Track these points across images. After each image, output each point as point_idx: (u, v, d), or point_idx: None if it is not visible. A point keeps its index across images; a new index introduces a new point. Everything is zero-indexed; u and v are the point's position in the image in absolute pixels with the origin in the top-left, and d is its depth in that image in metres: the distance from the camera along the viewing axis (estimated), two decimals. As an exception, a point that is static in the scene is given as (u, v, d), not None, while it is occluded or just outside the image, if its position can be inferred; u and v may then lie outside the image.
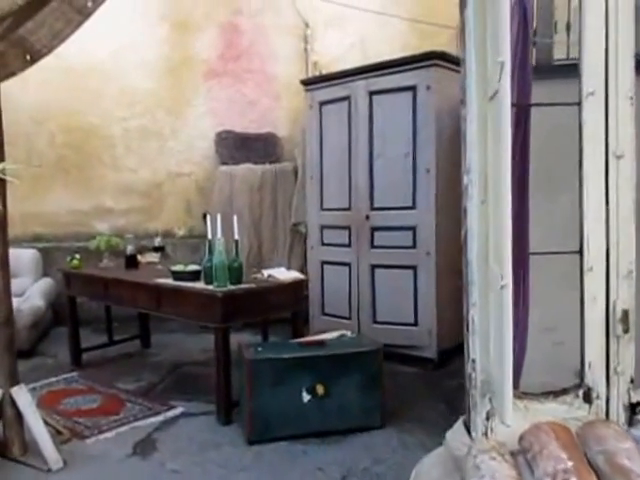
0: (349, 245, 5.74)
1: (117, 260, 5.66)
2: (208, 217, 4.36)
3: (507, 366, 2.20)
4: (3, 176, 3.57)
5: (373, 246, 5.57)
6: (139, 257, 5.54)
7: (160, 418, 4.45)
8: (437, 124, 5.26)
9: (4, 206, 3.59)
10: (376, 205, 5.53)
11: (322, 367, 4.00)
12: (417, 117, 5.28)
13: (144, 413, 4.54)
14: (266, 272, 4.69)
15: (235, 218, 4.42)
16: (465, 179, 2.62)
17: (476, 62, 2.59)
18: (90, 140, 7.15)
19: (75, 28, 5.03)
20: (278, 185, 6.90)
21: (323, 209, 6.01)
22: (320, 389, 3.98)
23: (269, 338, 5.16)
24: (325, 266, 6.03)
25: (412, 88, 5.32)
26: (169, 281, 4.59)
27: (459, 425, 2.76)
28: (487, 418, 2.61)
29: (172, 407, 4.62)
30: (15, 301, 3.70)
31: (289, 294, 4.61)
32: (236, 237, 4.42)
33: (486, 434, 2.62)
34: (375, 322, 5.60)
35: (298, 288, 4.68)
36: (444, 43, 6.49)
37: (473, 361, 2.62)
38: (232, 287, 4.23)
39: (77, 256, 5.58)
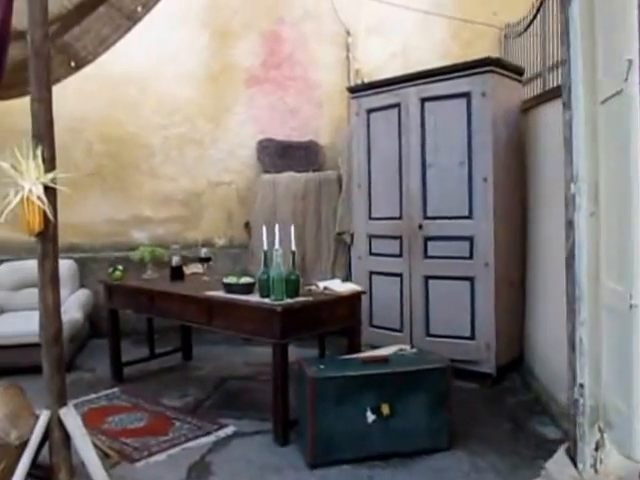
0: (400, 255, 5.51)
1: (160, 271, 5.46)
2: (264, 228, 4.15)
3: (636, 394, 1.95)
4: (54, 185, 3.35)
5: (426, 256, 5.34)
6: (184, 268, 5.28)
7: (212, 438, 4.21)
8: (493, 131, 5.02)
9: (55, 216, 3.37)
10: (429, 214, 5.31)
11: (387, 385, 3.77)
12: (472, 124, 5.05)
13: (194, 433, 4.30)
14: (321, 284, 4.46)
15: (292, 228, 4.25)
16: (572, 188, 2.38)
17: (583, 62, 2.36)
18: (129, 149, 7.00)
19: (123, 34, 4.84)
20: (322, 194, 6.71)
21: (371, 218, 5.79)
22: (385, 409, 3.75)
23: (317, 352, 4.92)
24: (374, 277, 5.77)
25: (466, 95, 5.09)
26: (220, 294, 4.39)
27: (561, 454, 2.52)
28: (596, 449, 2.37)
29: (223, 426, 4.39)
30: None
31: (346, 307, 4.39)
32: (293, 248, 4.22)
33: (595, 466, 2.37)
34: (429, 335, 5.35)
35: (355, 301, 4.46)
36: (486, 50, 6.24)
37: (581, 386, 2.38)
38: (290, 301, 4.02)
39: (120, 267, 5.37)
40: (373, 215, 5.81)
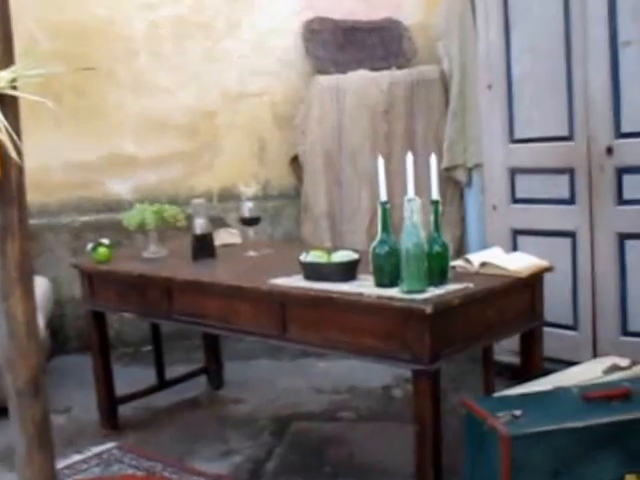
0: (571, 200, 5.03)
1: (168, 244, 4.96)
2: (379, 162, 3.58)
3: None
4: (15, 92, 2.59)
5: (621, 201, 4.81)
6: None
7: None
8: None
9: (19, 153, 2.60)
10: (625, 130, 4.74)
11: (635, 442, 3.12)
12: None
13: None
14: (474, 258, 3.85)
15: (434, 158, 3.65)
16: None
17: None
18: (95, 45, 6.42)
19: None
20: (415, 104, 6.22)
21: (515, 140, 5.27)
22: (635, 483, 3.12)
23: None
24: (521, 239, 5.30)
25: None
26: (298, 282, 3.78)
27: None
28: None
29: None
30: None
31: (524, 297, 3.84)
32: (435, 195, 3.62)
33: None
34: (625, 333, 4.87)
35: (537, 284, 3.90)
36: None
37: None
38: (440, 292, 3.39)
39: (105, 241, 4.82)
40: (518, 135, 5.28)
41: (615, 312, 4.89)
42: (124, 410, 5.06)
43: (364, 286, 3.58)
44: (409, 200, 3.43)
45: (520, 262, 3.84)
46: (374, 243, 3.60)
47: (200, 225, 4.69)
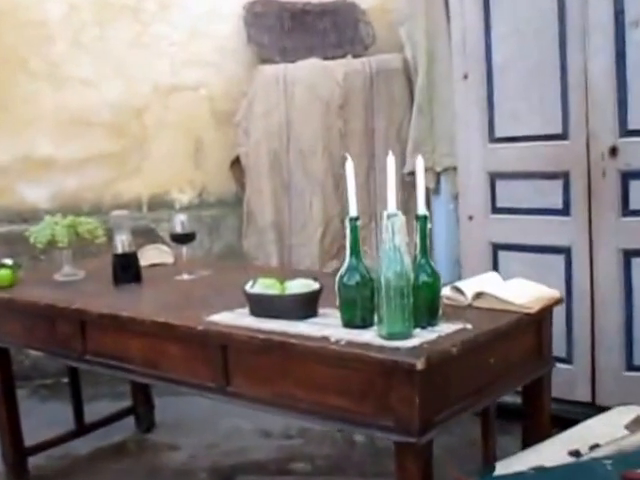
0: (565, 211, 4.65)
1: (86, 264, 4.50)
2: (348, 165, 3.07)
3: None
4: None
5: (626, 211, 4.44)
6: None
7: None
8: None
9: None
10: (632, 126, 4.36)
11: None
12: None
13: None
14: (465, 287, 3.25)
15: (420, 160, 3.02)
16: None
17: None
18: (5, 31, 6.14)
19: None
20: (375, 97, 5.90)
21: (496, 139, 4.90)
22: None
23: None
24: (503, 255, 4.94)
25: None
26: (245, 321, 3.15)
27: None
28: None
29: None
30: None
31: (532, 336, 3.28)
32: (422, 210, 2.97)
33: None
34: (631, 368, 4.50)
35: (545, 321, 3.33)
36: None
37: None
38: (430, 336, 2.77)
39: (8, 261, 4.34)
40: (499, 133, 4.91)
41: (618, 343, 4.51)
42: (36, 459, 4.57)
43: (329, 326, 2.96)
44: (389, 216, 2.80)
45: (525, 292, 3.23)
46: (341, 270, 2.99)
47: (122, 242, 4.12)
